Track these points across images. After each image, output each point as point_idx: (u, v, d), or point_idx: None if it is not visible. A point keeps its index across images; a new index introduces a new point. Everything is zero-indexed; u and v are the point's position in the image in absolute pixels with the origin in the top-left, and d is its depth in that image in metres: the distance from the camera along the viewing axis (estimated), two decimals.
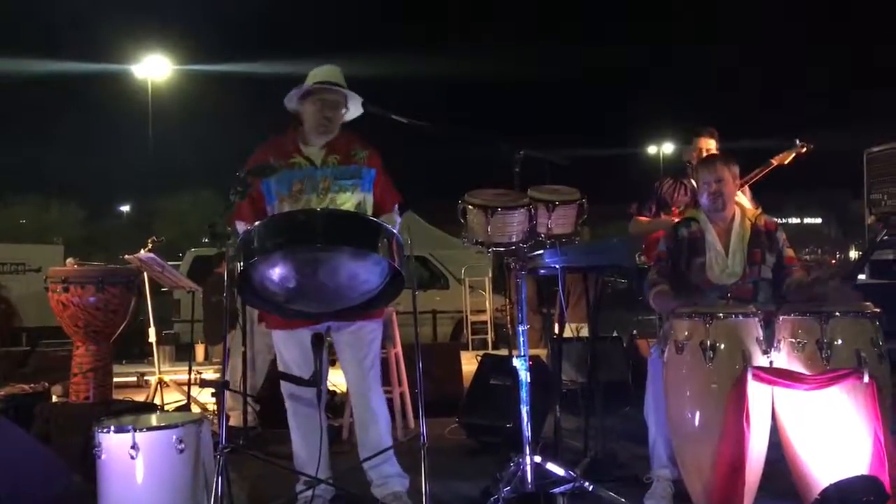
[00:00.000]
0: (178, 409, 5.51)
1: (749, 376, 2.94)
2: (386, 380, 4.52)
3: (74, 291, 4.32)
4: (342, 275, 3.04)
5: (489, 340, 12.10)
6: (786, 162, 4.97)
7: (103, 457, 3.06)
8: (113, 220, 42.04)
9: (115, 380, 5.12)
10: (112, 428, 3.06)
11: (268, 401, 5.15)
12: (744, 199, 4.46)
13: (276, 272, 3.00)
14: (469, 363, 6.28)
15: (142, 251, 5.85)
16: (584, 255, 4.09)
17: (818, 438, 2.97)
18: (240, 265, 2.97)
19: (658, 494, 3.45)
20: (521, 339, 3.45)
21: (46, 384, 5.19)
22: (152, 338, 6.39)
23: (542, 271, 4.22)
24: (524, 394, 3.39)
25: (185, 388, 5.85)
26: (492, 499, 3.35)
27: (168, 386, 6.04)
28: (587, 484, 3.40)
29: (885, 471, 2.84)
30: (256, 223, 3.01)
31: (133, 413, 3.80)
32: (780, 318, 3.08)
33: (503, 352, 7.08)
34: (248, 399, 5.05)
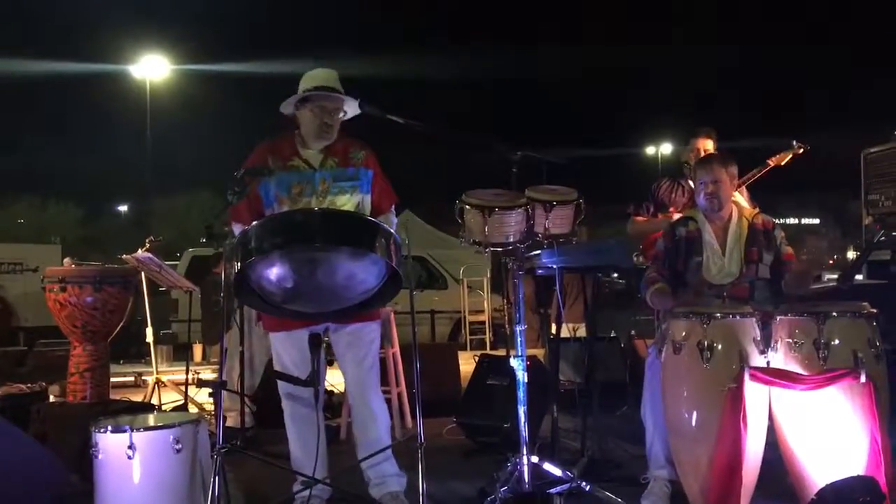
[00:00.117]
0: (175, 409, 5.50)
1: (746, 376, 2.95)
2: (384, 380, 4.52)
3: (72, 291, 4.32)
4: (340, 275, 3.04)
5: (487, 340, 12.11)
6: (783, 163, 4.97)
7: (100, 457, 3.06)
8: (111, 219, 42.04)
9: (113, 380, 5.12)
10: (109, 428, 3.06)
11: (264, 401, 5.16)
12: (741, 199, 4.46)
13: (274, 272, 3.00)
14: (467, 363, 6.28)
15: (139, 251, 5.85)
16: (581, 256, 4.09)
17: (815, 439, 2.97)
18: (237, 265, 2.97)
19: (655, 494, 3.46)
20: (519, 339, 3.46)
21: (44, 384, 5.19)
22: (150, 338, 6.39)
23: (540, 271, 4.22)
24: (521, 394, 3.39)
25: (183, 388, 5.85)
26: (489, 499, 3.34)
27: (165, 386, 6.03)
28: (584, 484, 3.40)
29: (881, 471, 2.84)
30: (254, 223, 3.01)
31: (130, 413, 3.80)
32: (778, 318, 3.08)
33: (501, 352, 7.09)
34: (245, 400, 5.06)
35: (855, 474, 2.84)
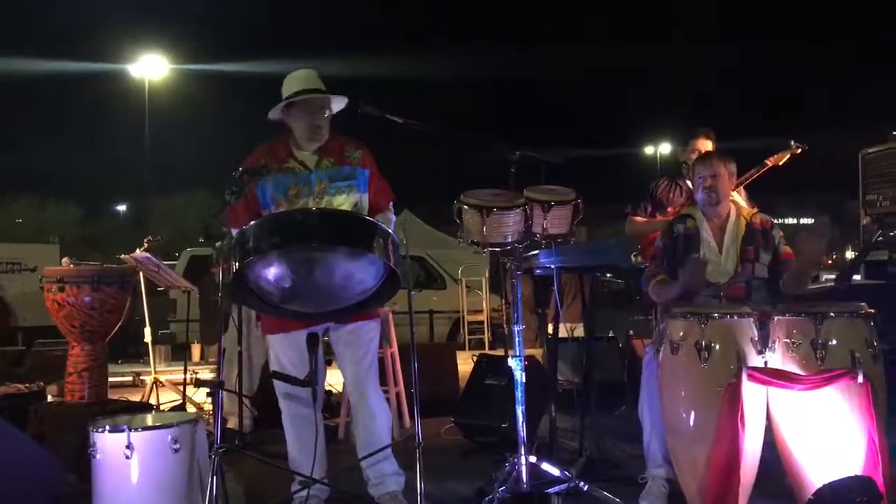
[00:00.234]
0: (173, 409, 5.50)
1: (744, 376, 2.95)
2: (382, 380, 4.52)
3: (70, 291, 4.32)
4: (337, 275, 3.04)
5: (486, 340, 12.12)
6: (780, 163, 4.97)
7: (98, 456, 3.06)
8: (109, 219, 42.02)
9: (111, 380, 5.12)
10: (107, 428, 3.06)
11: (263, 403, 5.16)
12: (740, 199, 4.46)
13: (272, 272, 3.00)
14: (466, 363, 6.29)
15: (138, 251, 5.85)
16: (579, 256, 4.09)
17: (812, 439, 2.97)
18: (235, 265, 2.97)
19: (653, 494, 3.46)
20: (517, 339, 3.46)
21: (42, 384, 5.19)
22: (148, 338, 6.39)
23: (538, 271, 4.22)
24: (519, 394, 3.40)
25: (181, 388, 5.85)
26: (487, 498, 3.35)
27: (164, 386, 6.04)
28: (582, 484, 3.41)
29: (878, 471, 2.84)
30: (251, 223, 3.01)
31: (128, 413, 3.80)
32: (775, 318, 3.08)
33: (499, 352, 7.09)
34: (246, 402, 5.06)
35: (852, 474, 2.84)
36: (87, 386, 4.40)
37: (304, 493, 3.39)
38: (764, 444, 3.07)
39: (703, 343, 3.05)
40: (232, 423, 4.93)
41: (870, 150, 5.16)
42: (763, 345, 3.05)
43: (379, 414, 3.55)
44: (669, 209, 4.83)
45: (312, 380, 3.14)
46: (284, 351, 3.54)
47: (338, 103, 3.59)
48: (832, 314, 3.01)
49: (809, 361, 2.97)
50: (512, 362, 3.41)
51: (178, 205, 36.17)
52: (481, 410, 4.71)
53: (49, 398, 5.08)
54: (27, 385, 5.10)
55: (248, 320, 5.10)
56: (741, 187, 4.76)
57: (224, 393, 3.21)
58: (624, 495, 3.42)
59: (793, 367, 2.99)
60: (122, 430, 3.02)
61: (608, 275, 5.63)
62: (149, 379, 6.09)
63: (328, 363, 4.23)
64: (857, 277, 5.90)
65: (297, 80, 3.56)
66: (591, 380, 4.57)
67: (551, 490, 3.34)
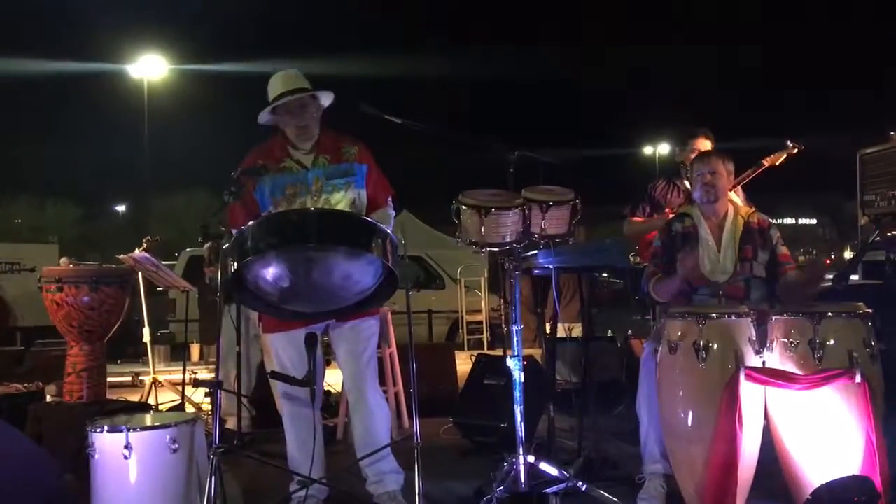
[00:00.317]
0: (172, 409, 5.50)
1: (742, 376, 2.95)
2: (381, 379, 4.53)
3: (68, 291, 4.32)
4: (336, 275, 3.04)
5: (484, 340, 12.12)
6: (777, 163, 4.98)
7: (96, 456, 3.06)
8: (109, 219, 42.00)
9: (110, 380, 5.12)
10: (105, 427, 3.06)
11: (261, 403, 5.17)
12: (737, 199, 4.47)
13: (270, 272, 3.00)
14: (465, 363, 6.29)
15: (137, 251, 5.84)
16: (577, 256, 4.10)
17: (810, 438, 2.97)
18: (233, 265, 2.98)
19: (651, 494, 3.46)
20: (515, 338, 3.46)
21: (40, 384, 5.19)
22: (147, 338, 6.39)
23: (537, 271, 4.23)
24: (518, 394, 3.40)
25: (180, 388, 5.85)
26: (485, 498, 3.35)
27: (162, 386, 6.04)
28: (580, 484, 3.41)
29: (876, 471, 2.84)
30: (250, 223, 3.01)
31: (127, 413, 3.80)
32: (773, 318, 3.08)
33: (498, 352, 7.10)
34: (244, 403, 5.06)
35: (850, 474, 2.84)
36: (85, 386, 4.40)
37: (303, 492, 3.39)
38: (762, 443, 3.08)
39: (701, 343, 3.06)
40: (231, 424, 4.93)
41: (868, 150, 5.16)
42: (761, 344, 3.05)
43: (377, 413, 3.55)
44: (667, 209, 4.83)
45: (311, 379, 3.14)
46: (285, 350, 3.54)
47: (324, 98, 3.57)
48: (830, 314, 3.02)
49: (807, 361, 2.97)
50: (510, 362, 3.41)
51: (178, 205, 36.17)
52: (480, 410, 4.71)
53: (48, 398, 5.07)
54: (26, 385, 5.10)
55: (246, 320, 5.10)
56: (739, 187, 4.77)
57: (222, 393, 3.21)
58: (622, 495, 3.43)
59: (791, 367, 2.99)
60: (121, 430, 3.02)
61: (604, 275, 5.64)
62: (147, 379, 6.09)
63: (327, 363, 4.24)
64: (854, 277, 5.91)
65: (277, 82, 3.54)
66: (589, 380, 4.57)
67: (549, 490, 3.34)
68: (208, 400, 5.76)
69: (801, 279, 3.52)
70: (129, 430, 3.02)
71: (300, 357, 3.39)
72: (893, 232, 4.79)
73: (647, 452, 3.55)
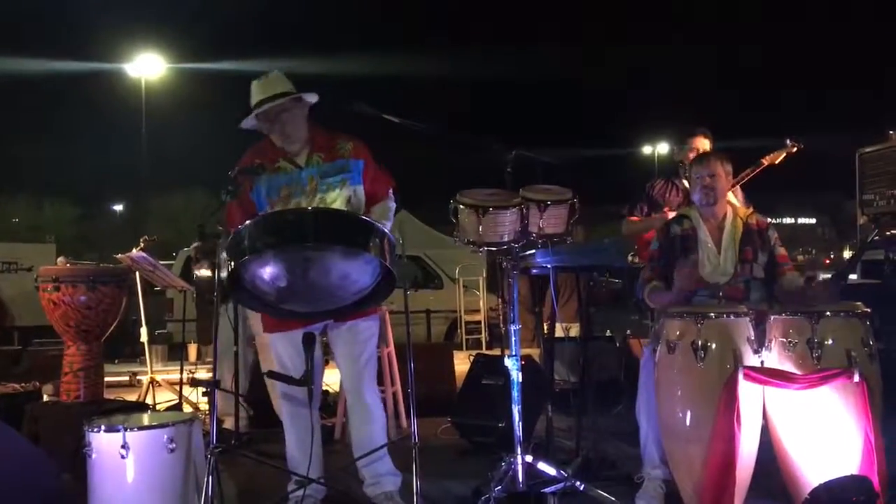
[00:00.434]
0: (169, 408, 5.49)
1: (740, 376, 2.95)
2: (379, 379, 4.53)
3: (65, 290, 4.31)
4: (333, 274, 3.04)
5: (483, 340, 12.11)
6: (776, 161, 4.98)
7: (94, 456, 3.06)
8: (106, 219, 41.95)
9: (107, 379, 5.11)
10: (103, 427, 3.06)
11: (258, 402, 5.16)
12: (735, 199, 4.47)
13: (267, 271, 3.00)
14: (463, 363, 6.28)
15: (134, 250, 5.83)
16: (575, 255, 4.09)
17: (809, 438, 2.97)
18: (231, 265, 2.97)
19: (649, 494, 3.46)
20: (513, 338, 3.46)
21: (38, 383, 5.18)
22: (144, 337, 6.38)
23: (535, 271, 4.22)
24: (516, 393, 3.39)
25: (177, 387, 5.84)
26: (483, 498, 3.35)
27: (160, 385, 6.03)
28: (578, 483, 3.41)
29: (874, 470, 2.85)
30: (247, 222, 3.01)
31: (124, 412, 3.79)
32: (772, 317, 3.08)
33: (496, 351, 7.09)
34: (242, 402, 5.05)
35: (848, 473, 2.84)
36: (82, 385, 4.39)
37: (301, 492, 3.39)
38: (760, 443, 3.08)
39: (700, 342, 3.06)
40: (228, 424, 4.93)
41: (867, 150, 5.15)
42: (759, 344, 3.05)
43: (374, 412, 3.55)
44: (665, 209, 4.83)
45: (308, 379, 3.14)
46: (285, 349, 3.53)
47: (308, 98, 3.52)
48: (828, 313, 3.02)
49: (806, 361, 2.97)
50: (508, 362, 3.41)
51: (175, 204, 36.11)
52: (478, 410, 4.71)
53: (45, 398, 5.07)
54: (23, 384, 5.09)
55: (243, 320, 5.09)
56: (737, 187, 4.76)
57: (220, 393, 3.21)
58: (620, 495, 3.43)
59: (789, 367, 2.99)
60: (118, 430, 3.02)
61: (601, 276, 5.64)
62: (145, 378, 6.07)
63: (326, 363, 4.23)
64: (853, 277, 5.91)
65: (255, 89, 3.49)
66: (587, 379, 4.57)
67: (547, 490, 3.34)
68: (206, 400, 5.75)
69: (800, 282, 3.51)
70: (126, 429, 3.02)
71: (300, 357, 3.38)
72: (892, 231, 4.79)
73: (646, 456, 3.55)
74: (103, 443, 3.04)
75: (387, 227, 3.34)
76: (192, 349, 9.11)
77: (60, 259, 5.12)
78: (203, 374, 7.24)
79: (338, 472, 3.79)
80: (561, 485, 3.39)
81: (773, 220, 3.82)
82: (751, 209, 3.88)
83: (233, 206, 3.38)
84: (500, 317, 8.46)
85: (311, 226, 2.98)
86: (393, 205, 3.65)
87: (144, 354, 6.48)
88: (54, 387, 5.05)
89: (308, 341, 3.13)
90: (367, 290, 3.19)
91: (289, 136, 3.49)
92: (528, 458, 3.38)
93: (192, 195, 35.55)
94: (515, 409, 3.39)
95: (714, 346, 3.05)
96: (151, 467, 3.04)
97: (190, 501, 3.11)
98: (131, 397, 5.65)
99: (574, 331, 5.67)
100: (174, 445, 3.06)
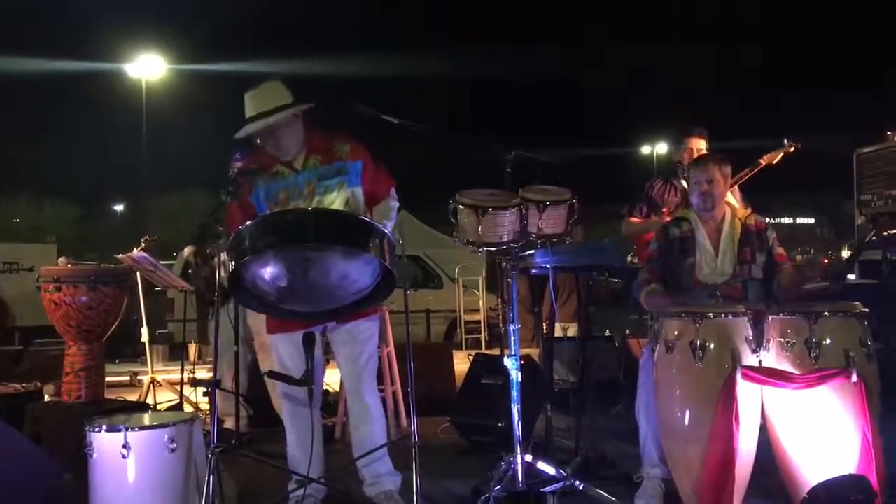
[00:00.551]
0: (170, 408, 5.51)
1: (738, 375, 2.95)
2: (379, 379, 4.55)
3: (66, 291, 4.32)
4: (333, 274, 3.05)
5: (483, 340, 12.12)
6: (774, 161, 4.99)
7: (95, 456, 3.07)
8: (107, 219, 41.93)
9: (108, 379, 5.12)
10: (104, 427, 3.07)
11: (259, 402, 5.17)
12: (733, 199, 4.48)
13: (268, 272, 3.01)
14: (463, 363, 6.29)
15: (135, 250, 5.85)
16: (574, 256, 4.10)
17: (807, 437, 2.98)
18: (231, 265, 2.98)
19: (648, 493, 3.47)
20: (512, 338, 3.47)
21: (39, 383, 5.19)
22: (145, 337, 6.39)
23: (534, 271, 4.23)
24: (515, 393, 3.40)
25: (178, 387, 5.85)
26: (482, 497, 3.36)
27: (161, 385, 6.04)
28: (578, 483, 3.42)
29: (872, 470, 2.85)
30: (247, 223, 3.02)
31: (125, 412, 3.81)
32: (770, 317, 3.09)
33: (496, 351, 7.10)
34: (242, 402, 5.06)
35: (846, 473, 2.85)
36: (83, 385, 4.41)
37: (301, 492, 3.40)
38: (758, 442, 3.09)
39: (698, 342, 3.06)
40: (229, 424, 4.94)
41: (865, 150, 5.15)
42: (757, 344, 3.06)
43: (374, 412, 3.56)
44: (664, 209, 4.84)
45: (308, 379, 3.15)
46: (286, 350, 3.54)
47: (294, 109, 3.46)
48: (826, 313, 3.03)
49: (803, 360, 2.98)
50: (508, 361, 3.42)
51: (176, 205, 36.10)
52: (477, 410, 4.72)
53: (46, 398, 5.08)
54: (24, 385, 5.11)
55: (242, 320, 5.10)
56: (735, 187, 4.77)
57: (220, 393, 3.22)
58: (620, 494, 3.44)
59: (787, 366, 3.00)
60: (119, 430, 3.03)
61: (600, 277, 5.65)
62: (146, 378, 6.09)
63: (327, 362, 4.25)
64: (851, 277, 5.91)
65: (248, 104, 3.47)
66: (587, 379, 4.58)
67: (547, 489, 3.35)
68: (206, 399, 5.76)
69: (799, 272, 3.53)
70: (127, 429, 3.03)
71: (300, 357, 3.39)
72: (890, 231, 4.79)
73: (645, 456, 3.56)
74: (104, 443, 3.05)
75: (388, 226, 3.35)
76: (193, 349, 9.13)
77: (61, 259, 5.14)
78: (203, 374, 7.26)
79: (338, 471, 3.80)
80: (560, 484, 3.40)
81: (772, 220, 3.83)
82: (749, 210, 3.89)
83: (233, 207, 3.39)
84: (500, 317, 8.47)
85: (311, 226, 2.99)
86: (395, 204, 3.65)
87: (145, 354, 6.50)
88: (55, 387, 5.07)
89: (308, 341, 3.15)
90: (367, 290, 3.21)
91: (284, 149, 3.50)
92: (528, 458, 3.39)
93: (192, 196, 35.53)
94: (515, 409, 3.40)
95: (712, 345, 3.06)
96: (152, 467, 3.05)
97: (191, 501, 3.12)
98: (132, 397, 5.66)
99: (572, 331, 5.69)
100: (175, 445, 3.07)
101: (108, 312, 4.44)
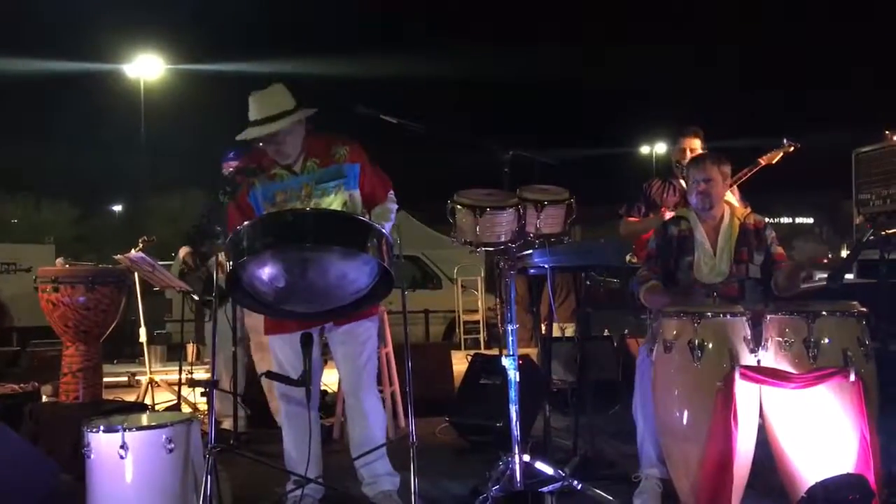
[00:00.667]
0: (168, 409, 5.50)
1: (736, 375, 2.95)
2: (377, 379, 4.55)
3: (64, 291, 4.32)
4: (331, 274, 3.05)
5: (481, 340, 12.12)
6: (773, 161, 4.99)
7: (92, 456, 3.06)
8: (105, 219, 41.89)
9: (106, 380, 5.12)
10: (101, 427, 3.07)
11: (257, 402, 5.17)
12: (733, 199, 4.48)
13: (266, 272, 3.01)
14: (461, 363, 6.29)
15: (133, 251, 5.84)
16: (572, 255, 4.10)
17: (805, 437, 2.98)
18: (229, 265, 2.98)
19: (647, 493, 3.47)
20: (510, 338, 3.47)
21: (37, 384, 5.19)
22: (143, 338, 6.38)
23: (532, 271, 4.23)
24: (513, 393, 3.40)
25: (176, 388, 5.85)
26: (481, 497, 3.36)
27: (159, 386, 6.03)
28: (576, 483, 3.42)
29: (870, 469, 2.85)
30: (245, 223, 3.02)
31: (123, 413, 3.80)
32: (768, 316, 3.09)
33: (495, 351, 7.10)
34: (240, 403, 5.06)
35: (845, 472, 2.85)
36: (81, 386, 4.40)
37: (299, 492, 3.40)
38: (757, 442, 3.09)
39: (696, 342, 3.06)
40: (227, 424, 4.94)
41: (863, 149, 5.15)
42: (756, 343, 3.06)
43: (372, 413, 3.56)
44: (663, 209, 4.84)
45: (306, 379, 3.15)
46: (283, 350, 3.54)
47: (300, 114, 3.46)
48: (824, 313, 3.03)
49: (802, 360, 2.98)
50: (506, 362, 3.42)
51: (174, 205, 36.05)
52: (476, 410, 4.73)
53: (44, 398, 5.08)
54: (22, 385, 5.10)
55: (240, 319, 5.10)
56: (734, 186, 4.77)
57: (218, 394, 3.21)
58: (618, 494, 3.44)
59: (785, 366, 3.00)
60: (117, 430, 3.03)
61: (612, 279, 5.66)
62: (144, 379, 6.08)
63: (325, 362, 4.25)
64: (849, 276, 5.91)
65: (251, 106, 3.46)
66: (585, 379, 4.58)
67: (545, 489, 3.35)
68: (204, 400, 5.76)
69: (794, 264, 3.52)
70: (125, 429, 3.03)
71: (298, 358, 3.39)
72: (888, 231, 4.79)
73: (643, 456, 3.56)
74: (102, 443, 3.04)
75: (386, 228, 3.35)
76: (191, 349, 9.12)
77: (59, 260, 5.13)
78: (201, 374, 7.25)
79: (336, 471, 3.80)
80: (558, 484, 3.40)
81: (771, 220, 3.82)
82: (748, 209, 3.89)
83: (232, 207, 3.40)
84: (498, 317, 8.48)
85: (309, 226, 2.99)
86: (393, 206, 3.65)
87: (143, 355, 6.49)
88: (53, 387, 5.07)
89: (306, 342, 3.15)
90: (365, 291, 3.20)
91: (284, 154, 3.49)
92: (526, 458, 3.39)
93: (190, 196, 35.49)
94: (513, 409, 3.40)
95: (711, 345, 3.06)
96: (150, 467, 3.05)
97: (188, 501, 3.11)
98: (130, 398, 5.66)
99: (570, 331, 5.69)
100: (173, 445, 3.07)
101: (105, 313, 4.43)
